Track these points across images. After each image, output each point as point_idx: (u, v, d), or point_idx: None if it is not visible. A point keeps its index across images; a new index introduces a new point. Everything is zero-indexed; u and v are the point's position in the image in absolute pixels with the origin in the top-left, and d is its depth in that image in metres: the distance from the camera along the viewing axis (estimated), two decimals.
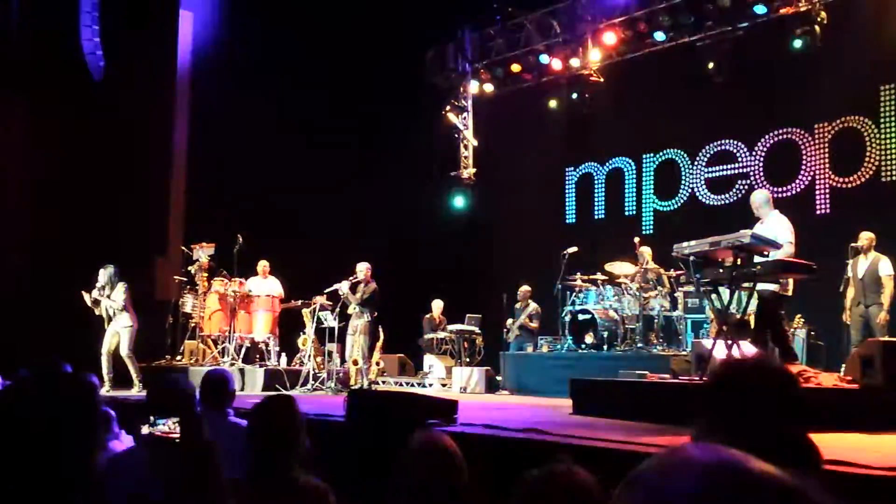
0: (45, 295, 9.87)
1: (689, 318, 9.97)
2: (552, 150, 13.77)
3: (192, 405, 2.87)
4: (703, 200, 12.38)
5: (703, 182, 12.44)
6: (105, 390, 8.57)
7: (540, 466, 1.95)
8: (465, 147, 14.34)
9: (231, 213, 11.69)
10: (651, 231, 12.61)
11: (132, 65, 11.21)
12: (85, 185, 10.78)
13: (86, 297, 9.16)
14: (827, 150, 11.18)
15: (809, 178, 11.29)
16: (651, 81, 12.46)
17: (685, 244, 6.41)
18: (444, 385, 11.04)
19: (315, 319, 10.11)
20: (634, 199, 13.23)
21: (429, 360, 11.95)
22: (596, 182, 13.81)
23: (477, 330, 12.10)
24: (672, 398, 5.88)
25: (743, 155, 12.03)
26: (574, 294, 10.60)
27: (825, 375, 6.05)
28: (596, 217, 13.73)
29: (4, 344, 8.34)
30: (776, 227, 6.86)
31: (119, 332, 9.13)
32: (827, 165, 11.15)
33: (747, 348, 6.75)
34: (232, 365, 9.96)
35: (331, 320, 10.02)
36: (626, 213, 13.27)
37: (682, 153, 12.73)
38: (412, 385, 11.03)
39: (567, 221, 14.02)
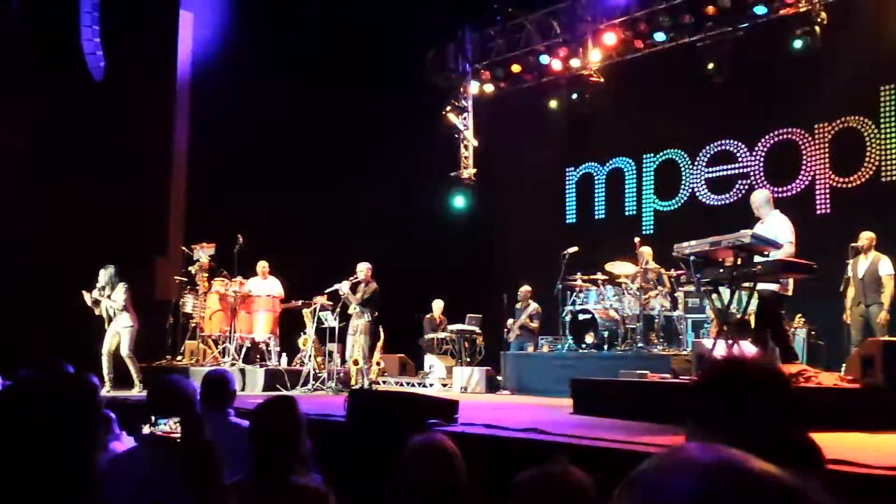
0: (45, 295, 9.87)
1: (690, 318, 9.97)
2: (552, 150, 13.77)
3: (192, 405, 2.87)
4: (704, 200, 12.38)
5: (703, 182, 12.45)
6: (105, 390, 8.57)
7: (535, 467, 1.95)
8: (466, 147, 14.34)
9: (231, 213, 11.69)
10: (651, 231, 12.61)
11: (132, 65, 11.20)
12: (85, 185, 10.78)
13: (86, 296, 9.17)
14: (827, 150, 11.18)
15: (809, 178, 11.29)
16: (651, 82, 12.46)
17: (685, 244, 6.41)
18: (444, 385, 11.04)
19: (315, 319, 10.10)
20: (635, 199, 13.24)
21: (429, 360, 11.95)
22: (596, 182, 13.81)
23: (477, 330, 12.11)
24: (672, 398, 5.88)
25: (743, 155, 12.03)
26: (574, 294, 10.59)
27: (825, 375, 6.04)
28: (596, 217, 13.74)
29: (4, 344, 8.34)
30: (776, 227, 6.86)
31: (119, 333, 9.13)
32: (827, 165, 11.15)
33: (747, 348, 6.75)
34: (232, 365, 9.96)
35: (331, 320, 10.02)
36: (627, 213, 13.27)
37: (683, 153, 12.73)
38: (413, 385, 11.03)
39: (567, 221, 14.03)
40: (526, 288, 11.85)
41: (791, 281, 6.86)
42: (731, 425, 1.45)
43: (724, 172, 12.19)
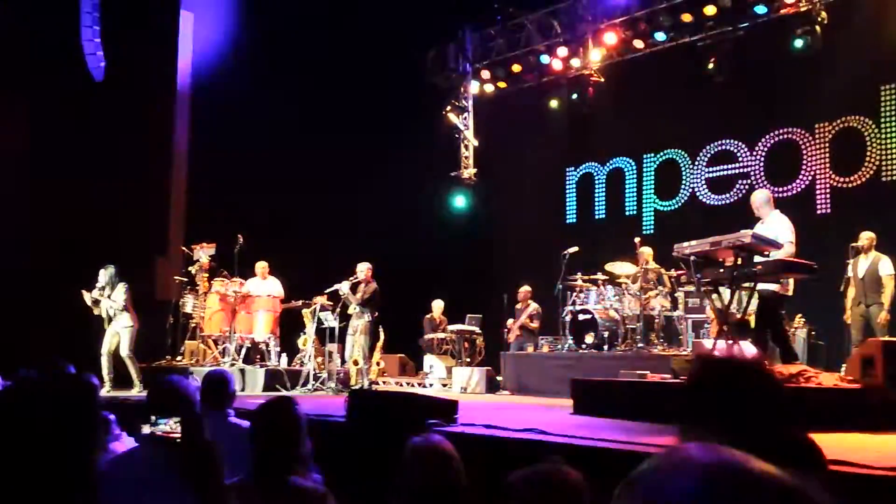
0: (45, 295, 9.87)
1: (690, 318, 9.97)
2: (553, 150, 13.78)
3: (192, 406, 2.87)
4: (704, 200, 12.38)
5: (703, 182, 12.44)
6: (105, 391, 8.57)
7: (528, 466, 1.95)
8: (466, 147, 14.34)
9: (231, 214, 11.69)
10: (651, 231, 12.61)
11: (133, 65, 11.20)
12: (85, 185, 10.78)
13: (86, 296, 9.16)
14: (827, 149, 11.18)
15: (810, 177, 11.28)
16: (651, 81, 12.46)
17: (686, 244, 6.41)
18: (444, 385, 11.04)
19: (315, 320, 10.10)
20: (635, 199, 13.23)
21: (429, 360, 11.95)
22: (596, 182, 13.81)
23: (477, 330, 12.10)
24: (673, 398, 5.87)
25: (743, 155, 12.03)
26: (574, 294, 10.60)
27: (826, 375, 6.04)
28: (596, 217, 13.74)
29: (4, 344, 8.34)
30: (777, 227, 6.86)
31: (119, 333, 9.13)
32: (827, 165, 11.15)
33: (748, 348, 6.75)
34: (232, 365, 9.96)
35: (331, 320, 10.02)
36: (627, 213, 13.27)
37: (683, 153, 12.73)
38: (413, 385, 11.03)
39: (567, 221, 14.03)
40: (526, 288, 11.85)
41: (791, 281, 6.86)
42: (721, 425, 1.45)
43: (725, 172, 12.19)
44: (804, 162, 11.35)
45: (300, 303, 10.52)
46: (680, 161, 12.77)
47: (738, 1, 11.25)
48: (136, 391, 8.83)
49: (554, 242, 11.54)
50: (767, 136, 11.78)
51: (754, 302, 6.88)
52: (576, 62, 12.95)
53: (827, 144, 11.19)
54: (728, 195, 12.08)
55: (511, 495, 1.89)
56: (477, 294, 13.06)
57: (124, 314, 9.14)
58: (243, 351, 10.51)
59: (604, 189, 13.70)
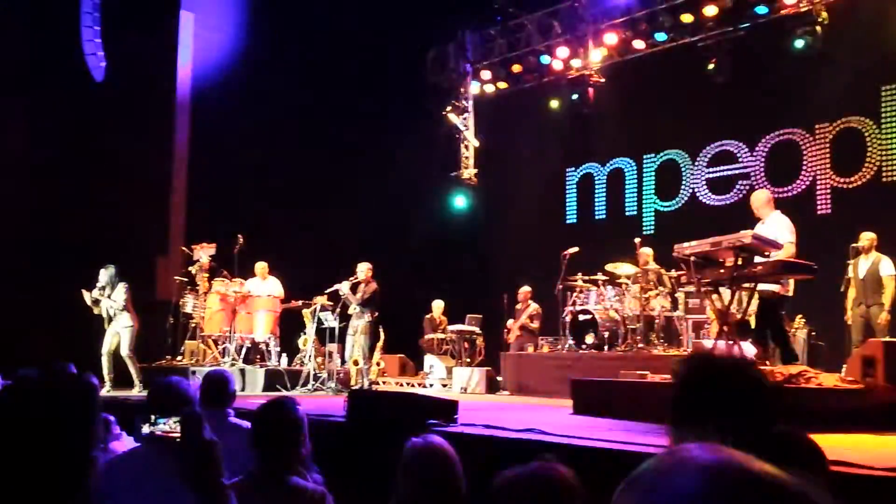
0: (45, 295, 9.87)
1: (691, 319, 9.96)
2: (553, 150, 13.78)
3: (192, 405, 2.87)
4: (704, 201, 12.38)
5: (703, 182, 12.44)
6: (106, 390, 8.58)
7: (519, 465, 1.94)
8: (466, 147, 14.34)
9: (231, 214, 11.69)
10: (652, 231, 12.60)
11: (133, 65, 11.20)
12: (85, 185, 10.78)
13: (85, 295, 9.16)
14: (828, 150, 11.18)
15: (810, 178, 11.28)
16: (652, 82, 12.46)
17: (686, 244, 6.41)
18: (444, 385, 11.04)
19: (316, 320, 10.10)
20: (635, 199, 13.23)
21: (429, 360, 11.95)
22: (597, 182, 13.81)
23: (477, 330, 12.10)
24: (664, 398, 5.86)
25: (744, 155, 12.02)
26: (575, 294, 10.59)
27: (826, 376, 6.04)
28: (597, 217, 13.73)
29: (4, 344, 8.34)
30: (777, 228, 6.86)
31: (119, 333, 9.13)
32: (828, 166, 11.14)
33: (748, 348, 6.75)
34: (232, 365, 9.96)
35: (331, 320, 10.02)
36: (627, 214, 13.26)
37: (683, 153, 12.72)
38: (413, 385, 11.03)
39: (568, 222, 14.02)
40: (526, 288, 11.84)
41: (791, 281, 6.86)
42: (709, 424, 1.45)
43: (725, 173, 12.19)
44: (805, 162, 11.34)
45: (300, 303, 10.52)
46: (680, 161, 12.77)
47: (739, 1, 11.24)
48: (137, 391, 8.83)
49: (554, 243, 11.53)
50: (768, 137, 11.78)
51: (754, 302, 6.88)
52: (576, 62, 12.94)
53: (827, 145, 11.19)
54: (728, 195, 12.07)
55: (502, 494, 1.88)
56: (477, 294, 13.05)
57: (124, 314, 9.14)
58: (243, 351, 10.51)
59: (604, 189, 13.70)
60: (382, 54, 13.01)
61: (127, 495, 2.77)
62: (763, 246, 6.23)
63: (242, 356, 10.45)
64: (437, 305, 12.76)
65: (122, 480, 2.79)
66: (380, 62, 13.13)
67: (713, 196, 12.28)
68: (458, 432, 4.81)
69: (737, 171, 12.05)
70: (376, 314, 10.10)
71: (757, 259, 6.19)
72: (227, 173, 12.28)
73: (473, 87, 14.35)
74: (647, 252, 10.26)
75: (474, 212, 14.23)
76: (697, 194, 12.50)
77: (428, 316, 12.73)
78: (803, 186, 11.30)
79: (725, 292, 6.48)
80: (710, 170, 12.38)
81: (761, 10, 11.22)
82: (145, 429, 2.37)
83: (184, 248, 11.25)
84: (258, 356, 10.70)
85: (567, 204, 14.09)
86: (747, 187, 11.56)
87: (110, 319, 9.18)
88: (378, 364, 11.04)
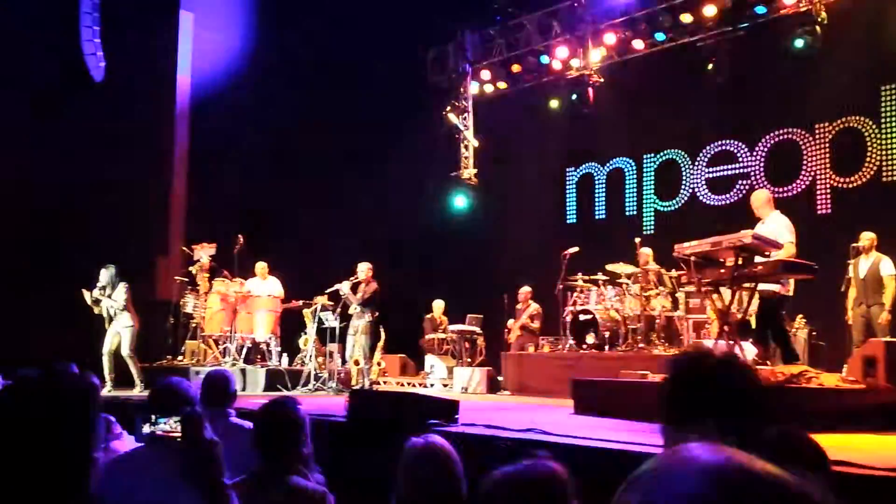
0: (45, 295, 9.87)
1: (691, 319, 9.96)
2: (553, 150, 13.77)
3: (192, 405, 2.87)
4: (704, 201, 12.38)
5: (703, 182, 12.44)
6: (107, 390, 8.58)
7: (510, 462, 1.94)
8: (466, 147, 14.33)
9: (232, 214, 11.69)
10: (652, 231, 12.60)
11: (133, 65, 11.21)
12: (85, 185, 10.78)
13: (86, 295, 9.16)
14: (828, 150, 11.17)
15: (810, 178, 11.28)
16: (652, 81, 12.45)
17: (686, 244, 6.41)
18: (445, 385, 11.04)
19: (316, 320, 10.10)
20: (635, 199, 13.23)
21: (430, 360, 11.95)
22: (597, 182, 13.81)
23: (478, 330, 12.10)
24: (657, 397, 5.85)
25: (744, 155, 12.02)
26: (575, 294, 10.59)
27: (827, 376, 6.04)
28: (597, 217, 13.73)
29: (4, 344, 8.35)
30: (777, 227, 6.86)
31: (120, 333, 9.13)
32: (828, 165, 11.14)
33: (749, 348, 6.75)
34: (233, 365, 9.96)
35: (332, 320, 10.02)
36: (627, 214, 13.26)
37: (683, 153, 12.72)
38: (413, 385, 11.03)
39: (568, 221, 14.02)
40: (526, 288, 11.84)
41: (792, 281, 6.86)
42: (701, 422, 1.44)
43: (725, 172, 12.19)
44: (804, 162, 11.34)
45: (301, 303, 10.52)
46: (680, 161, 12.76)
47: (738, 1, 11.23)
48: (138, 391, 8.83)
49: (554, 242, 11.53)
50: (768, 137, 11.77)
51: (755, 302, 6.88)
52: (576, 62, 12.94)
53: (827, 145, 11.19)
54: (728, 195, 12.07)
55: (492, 494, 1.88)
56: (477, 294, 13.05)
57: (125, 314, 9.14)
58: (244, 351, 10.51)
59: (604, 189, 13.70)
60: (382, 54, 13.00)
61: (128, 495, 2.77)
62: (763, 246, 6.23)
63: (243, 356, 10.45)
64: (438, 305, 12.76)
65: (124, 480, 2.79)
66: (380, 62, 13.12)
67: (713, 196, 12.28)
68: (459, 432, 4.81)
69: (737, 171, 12.05)
70: (377, 314, 10.10)
71: (757, 259, 6.19)
72: (227, 173, 12.28)
73: (473, 88, 14.34)
74: (647, 252, 10.26)
75: (474, 212, 14.22)
76: (697, 194, 12.49)
77: (428, 316, 12.73)
78: (803, 186, 11.30)
79: (726, 292, 6.48)
80: (710, 170, 12.38)
81: (761, 9, 11.22)
82: (146, 429, 2.38)
83: (184, 248, 11.25)
84: (259, 356, 10.71)
85: (567, 204, 14.09)
86: (747, 187, 11.56)
87: (111, 319, 9.18)
88: (379, 364, 11.03)
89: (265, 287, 10.77)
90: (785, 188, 11.27)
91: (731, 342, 6.13)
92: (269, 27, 12.77)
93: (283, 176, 12.68)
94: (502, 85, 14.22)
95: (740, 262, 6.11)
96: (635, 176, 13.28)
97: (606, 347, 9.74)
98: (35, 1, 10.89)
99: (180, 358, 10.97)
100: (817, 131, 11.29)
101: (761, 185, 11.14)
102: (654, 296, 9.87)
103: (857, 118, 10.89)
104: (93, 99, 11.07)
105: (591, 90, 12.77)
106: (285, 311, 10.78)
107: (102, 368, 8.98)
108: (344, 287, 9.84)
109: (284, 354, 10.71)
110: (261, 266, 10.88)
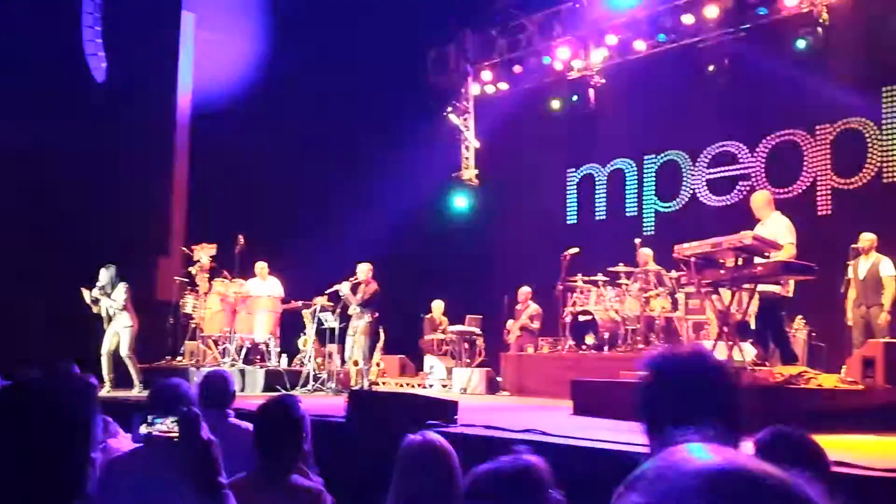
0: (45, 295, 9.87)
1: (691, 320, 9.96)
2: (553, 151, 13.77)
3: (190, 405, 2.87)
4: (705, 202, 12.37)
5: (704, 183, 12.44)
6: (106, 391, 8.57)
7: (490, 460, 1.95)
8: (467, 148, 14.32)
9: (232, 214, 11.69)
10: (652, 232, 12.59)
11: (134, 65, 11.21)
12: (85, 185, 10.79)
13: (85, 294, 9.16)
14: (828, 151, 11.17)
15: (811, 179, 11.27)
16: (653, 83, 12.44)
17: (686, 245, 6.41)
18: (444, 386, 11.03)
19: (316, 320, 10.10)
20: (636, 200, 13.23)
21: (429, 360, 11.95)
22: (597, 183, 13.81)
23: (477, 331, 12.09)
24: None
25: (744, 156, 12.02)
26: (575, 295, 10.59)
27: (826, 377, 6.04)
28: (597, 218, 13.73)
29: (4, 344, 8.35)
30: (777, 228, 6.86)
31: (119, 333, 9.12)
32: (828, 167, 11.13)
33: (748, 349, 6.75)
34: (232, 366, 9.96)
35: (331, 321, 10.02)
36: (628, 214, 13.26)
37: (684, 154, 12.72)
38: (413, 386, 11.03)
39: (568, 222, 14.02)
40: (526, 289, 11.84)
41: (791, 282, 6.86)
42: (678, 421, 1.44)
43: (726, 173, 12.18)
44: (805, 163, 11.33)
45: (300, 303, 10.51)
46: (681, 162, 12.76)
47: (740, 2, 11.23)
48: (137, 391, 8.83)
49: (554, 243, 11.53)
50: (768, 138, 11.77)
51: (755, 303, 6.87)
52: (577, 63, 12.93)
53: (828, 146, 11.18)
54: (729, 196, 12.06)
55: (474, 491, 1.89)
56: (477, 295, 13.05)
57: (124, 314, 9.13)
58: (243, 351, 10.51)
59: (604, 190, 13.70)
60: (383, 55, 12.99)
61: (126, 495, 2.77)
62: (763, 247, 6.23)
63: (242, 357, 10.45)
64: (437, 306, 12.75)
65: (121, 481, 2.79)
66: (381, 63, 13.12)
67: (713, 197, 12.27)
68: (458, 433, 4.81)
69: (737, 172, 12.05)
70: (376, 315, 10.09)
71: (757, 260, 6.19)
72: (227, 173, 12.28)
73: (474, 88, 14.33)
74: (647, 252, 10.26)
75: (475, 212, 14.22)
76: (698, 195, 12.49)
77: (428, 316, 12.73)
78: (804, 187, 11.29)
79: (726, 293, 6.48)
80: (711, 170, 12.38)
81: (762, 11, 11.21)
82: (143, 429, 2.37)
83: (184, 249, 11.25)
84: (258, 357, 10.70)
85: (567, 204, 14.09)
86: (748, 188, 11.55)
87: (110, 319, 9.18)
88: (378, 365, 11.03)
89: (265, 287, 10.77)
90: (785, 189, 11.26)
91: (731, 343, 6.12)
92: (269, 28, 12.77)
93: (284, 176, 12.68)
94: (503, 85, 14.22)
95: (740, 262, 6.11)
96: (636, 177, 13.28)
97: (606, 348, 9.74)
98: (36, 1, 10.89)
99: (179, 358, 10.97)
100: (818, 132, 11.29)
101: (762, 186, 11.14)
102: (654, 297, 9.87)
103: (858, 119, 10.89)
104: (94, 99, 11.08)
105: (592, 91, 12.78)
106: (285, 311, 10.77)
107: (101, 369, 8.97)
108: (344, 288, 9.83)
109: (284, 355, 10.71)
110: (261, 266, 10.87)
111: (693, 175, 12.58)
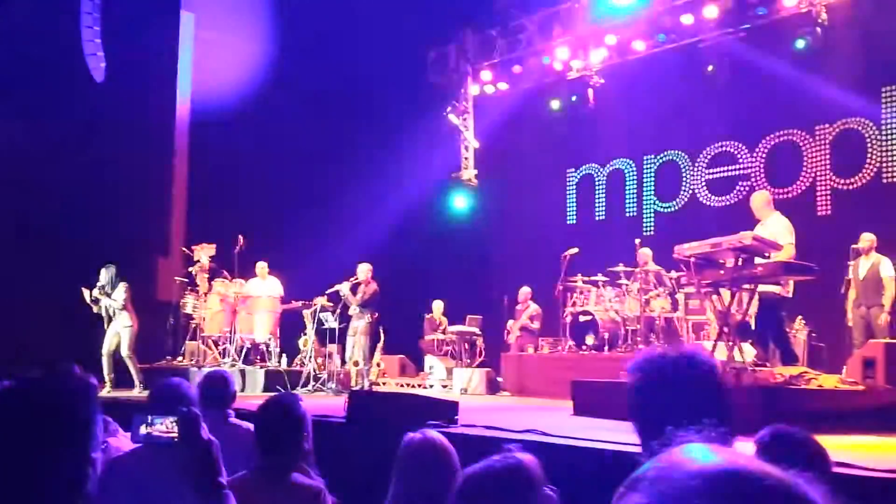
0: (45, 295, 9.87)
1: (691, 320, 9.96)
2: (553, 151, 13.77)
3: (191, 405, 2.87)
4: (704, 202, 12.38)
5: (703, 183, 12.44)
6: (106, 391, 8.57)
7: (482, 459, 1.95)
8: (466, 148, 14.33)
9: (231, 214, 11.69)
10: (652, 232, 12.60)
11: (133, 65, 11.21)
12: (85, 185, 10.78)
13: (85, 293, 9.16)
14: (828, 151, 11.17)
15: (810, 179, 11.27)
16: (652, 83, 12.44)
17: (686, 245, 6.41)
18: (444, 386, 11.03)
19: (316, 320, 10.10)
20: (635, 200, 13.23)
21: (430, 361, 11.95)
22: (597, 183, 13.81)
23: (477, 331, 12.09)
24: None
25: (744, 156, 12.02)
26: (575, 295, 10.59)
27: (826, 377, 6.04)
28: (597, 218, 13.73)
29: (4, 344, 8.34)
30: (776, 228, 6.86)
31: (119, 333, 9.13)
32: (828, 167, 11.14)
33: (748, 350, 6.75)
34: (233, 366, 9.96)
35: (332, 321, 10.02)
36: (627, 215, 13.26)
37: (683, 154, 12.72)
38: (413, 386, 11.02)
39: (568, 222, 14.02)
40: (526, 289, 11.84)
41: (791, 283, 6.86)
42: (670, 422, 1.43)
43: (725, 174, 12.18)
44: (805, 163, 11.33)
45: (300, 303, 10.51)
46: (680, 162, 12.76)
47: (739, 2, 11.23)
48: (137, 391, 8.83)
49: (554, 243, 11.53)
50: (768, 138, 11.77)
51: (755, 303, 6.87)
52: (576, 63, 12.93)
53: (827, 146, 11.18)
54: (728, 197, 12.07)
55: (466, 490, 1.89)
56: (477, 295, 13.05)
57: (123, 313, 9.14)
58: (243, 352, 10.51)
59: (604, 190, 13.70)
60: (383, 55, 12.99)
61: (127, 495, 2.76)
62: (763, 247, 6.23)
63: (242, 357, 10.45)
64: (437, 306, 12.75)
65: (122, 481, 2.79)
66: (380, 63, 13.12)
67: (713, 197, 12.28)
68: (459, 433, 4.81)
69: (737, 172, 12.05)
70: (376, 315, 10.09)
71: (757, 260, 6.19)
72: (227, 173, 12.28)
73: (473, 88, 14.33)
74: (646, 253, 10.26)
75: (474, 212, 14.22)
76: (697, 195, 12.49)
77: (428, 316, 12.72)
78: (803, 188, 11.29)
79: (725, 293, 6.48)
80: (710, 171, 12.38)
81: (761, 11, 11.21)
82: (143, 429, 2.37)
83: (184, 249, 11.25)
84: (258, 357, 10.70)
85: (567, 205, 14.09)
86: (747, 188, 11.55)
87: (110, 319, 9.18)
88: (378, 365, 11.03)
89: (265, 287, 10.76)
90: (785, 189, 11.27)
91: (731, 343, 6.12)
92: (269, 28, 12.77)
93: (284, 176, 12.67)
94: (503, 85, 14.22)
95: (740, 263, 6.11)
96: (635, 177, 13.28)
97: (606, 348, 9.74)
98: (36, 1, 10.89)
99: (180, 359, 10.97)
100: (817, 132, 11.29)
101: (761, 186, 11.14)
102: (654, 297, 9.87)
103: (858, 119, 10.89)
104: (93, 99, 11.07)
105: (591, 91, 12.78)
106: (285, 311, 10.77)
107: (102, 369, 8.98)
108: (344, 288, 9.83)
109: (284, 355, 10.71)
110: (261, 266, 10.87)
111: (693, 175, 12.58)
